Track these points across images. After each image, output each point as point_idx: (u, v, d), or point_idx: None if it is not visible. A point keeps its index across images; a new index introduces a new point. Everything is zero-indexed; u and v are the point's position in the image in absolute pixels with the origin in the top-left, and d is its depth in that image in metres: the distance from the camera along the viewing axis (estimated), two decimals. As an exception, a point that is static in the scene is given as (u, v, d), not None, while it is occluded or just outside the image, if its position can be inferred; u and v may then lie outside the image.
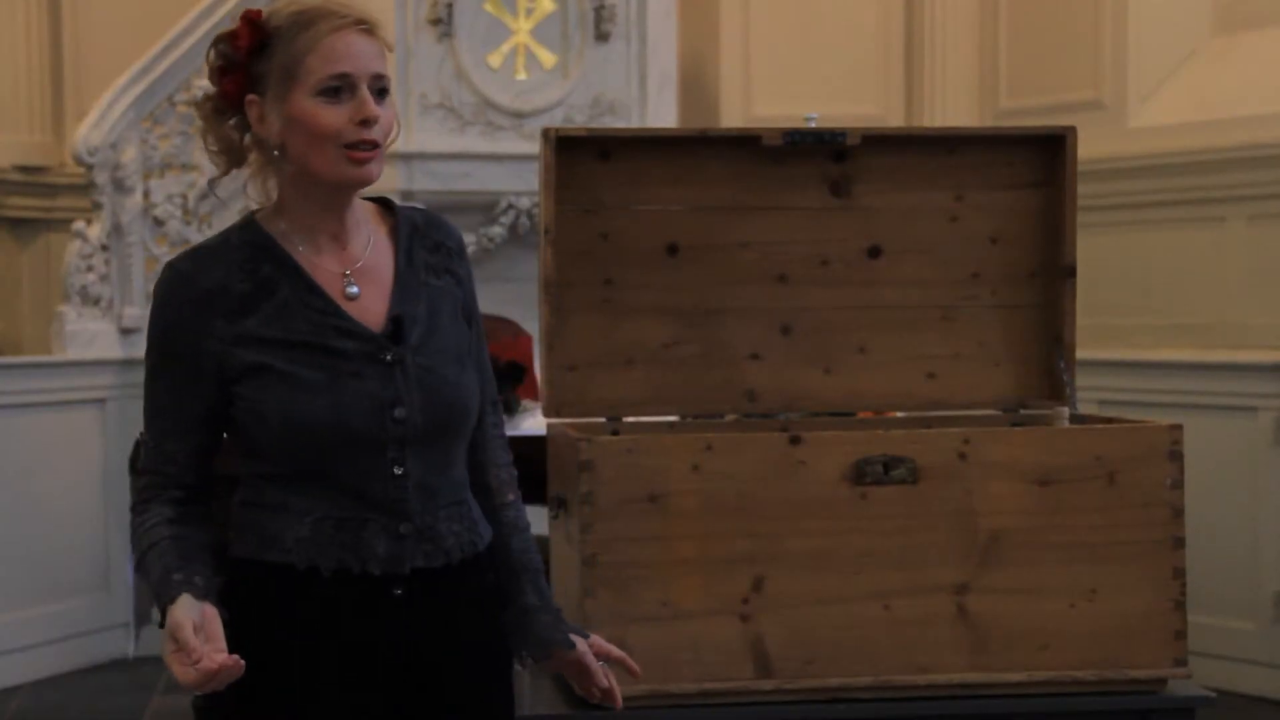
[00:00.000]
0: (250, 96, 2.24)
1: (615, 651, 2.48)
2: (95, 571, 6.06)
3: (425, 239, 2.35)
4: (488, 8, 6.25)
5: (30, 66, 7.20)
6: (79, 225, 6.32)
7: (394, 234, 2.34)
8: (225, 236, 2.29)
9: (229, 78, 2.25)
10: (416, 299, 2.30)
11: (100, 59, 7.02)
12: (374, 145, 2.22)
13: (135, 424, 5.33)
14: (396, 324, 2.25)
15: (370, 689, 2.26)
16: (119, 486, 5.78)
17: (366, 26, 2.23)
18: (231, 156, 2.29)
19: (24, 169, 7.13)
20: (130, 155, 6.34)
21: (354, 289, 2.27)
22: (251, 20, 2.24)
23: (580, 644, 2.43)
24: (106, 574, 6.07)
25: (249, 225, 2.29)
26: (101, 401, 6.18)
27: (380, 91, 2.23)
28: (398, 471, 2.23)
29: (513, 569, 2.42)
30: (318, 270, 2.26)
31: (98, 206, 6.33)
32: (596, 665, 2.44)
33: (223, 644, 2.10)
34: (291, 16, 2.23)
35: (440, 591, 2.28)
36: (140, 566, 2.24)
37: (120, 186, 6.34)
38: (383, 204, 2.37)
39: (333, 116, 2.21)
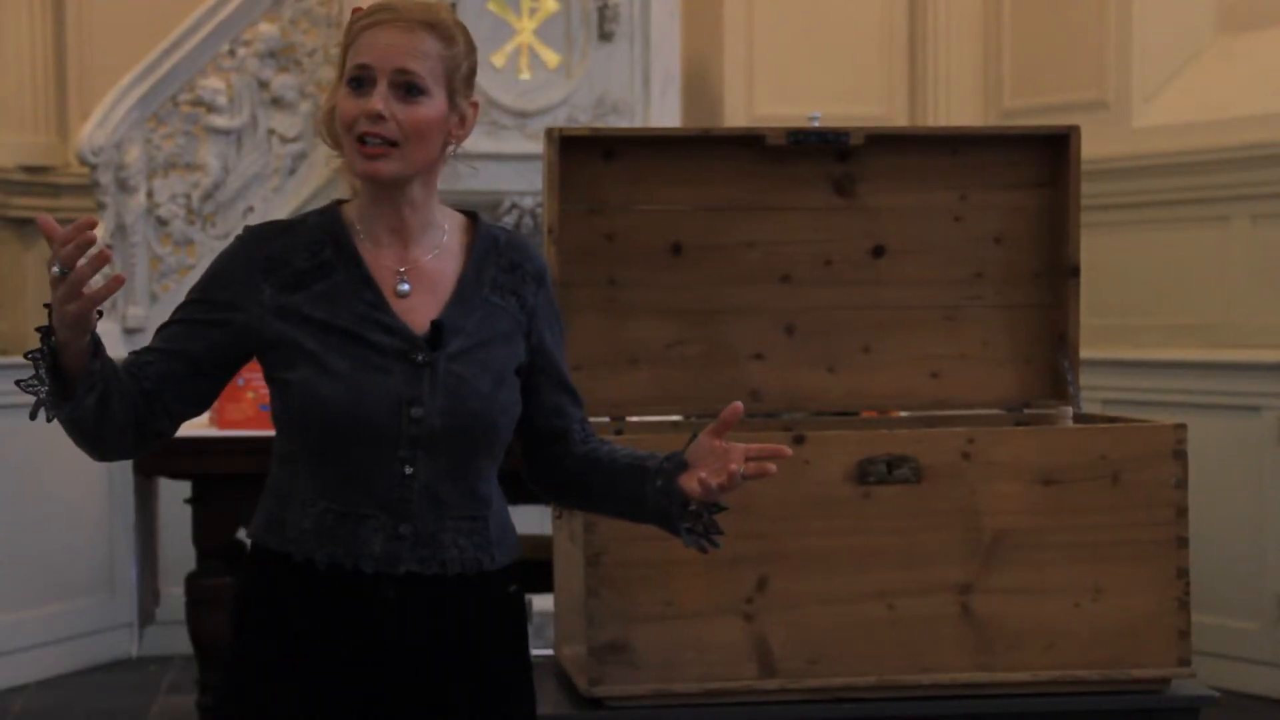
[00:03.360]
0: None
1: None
2: (99, 572, 6.05)
3: (502, 257, 2.33)
4: (491, 7, 6.24)
5: (34, 66, 7.20)
6: (83, 225, 6.31)
7: (470, 246, 2.32)
8: (305, 216, 2.32)
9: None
10: (470, 311, 2.28)
11: (104, 59, 7.01)
12: (381, 140, 2.21)
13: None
14: (437, 329, 2.24)
15: (359, 689, 2.25)
16: (123, 487, 5.78)
17: (410, 24, 2.21)
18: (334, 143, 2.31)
19: (28, 169, 7.12)
20: (134, 155, 6.34)
21: (405, 287, 2.27)
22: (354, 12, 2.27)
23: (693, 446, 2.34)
24: (110, 574, 6.06)
25: (329, 210, 2.32)
26: (105, 401, 6.16)
27: (408, 88, 2.21)
28: (407, 471, 2.22)
29: (615, 469, 2.37)
30: (375, 264, 2.27)
31: (101, 207, 6.32)
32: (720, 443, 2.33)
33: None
34: (356, 11, 2.26)
35: (437, 601, 2.26)
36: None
37: (124, 186, 6.34)
38: (471, 217, 2.36)
39: (350, 107, 2.22)
